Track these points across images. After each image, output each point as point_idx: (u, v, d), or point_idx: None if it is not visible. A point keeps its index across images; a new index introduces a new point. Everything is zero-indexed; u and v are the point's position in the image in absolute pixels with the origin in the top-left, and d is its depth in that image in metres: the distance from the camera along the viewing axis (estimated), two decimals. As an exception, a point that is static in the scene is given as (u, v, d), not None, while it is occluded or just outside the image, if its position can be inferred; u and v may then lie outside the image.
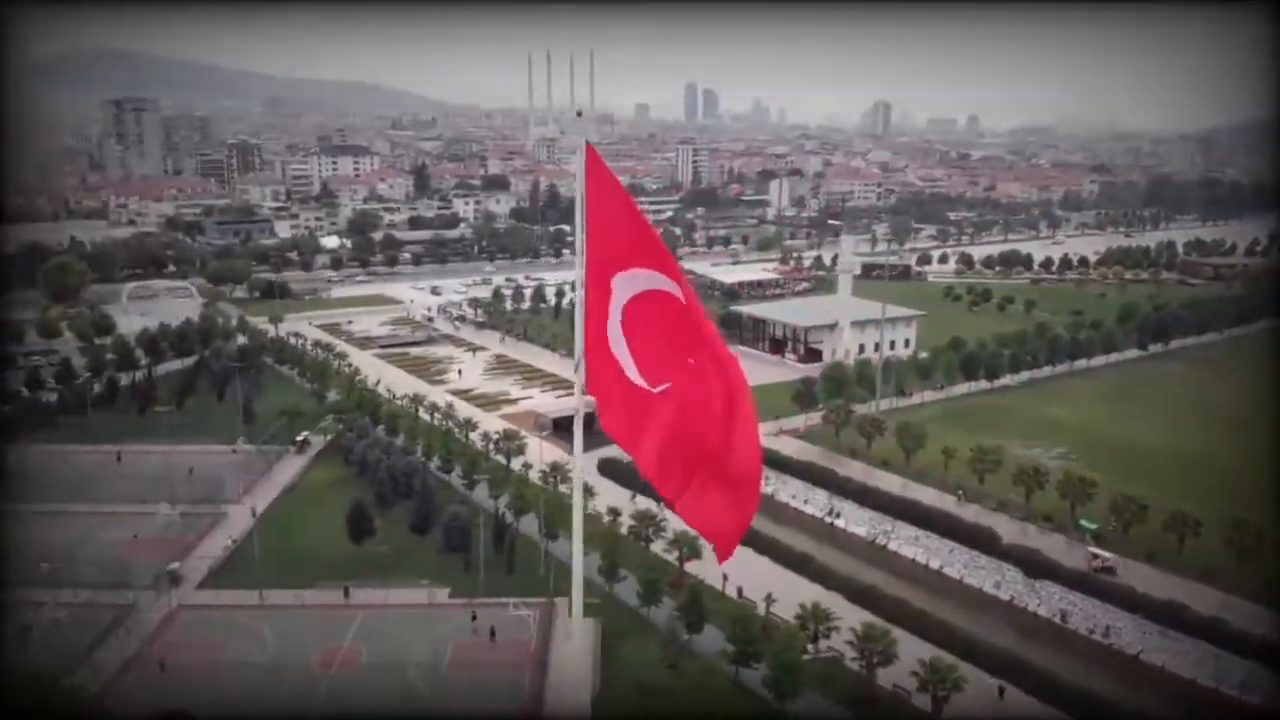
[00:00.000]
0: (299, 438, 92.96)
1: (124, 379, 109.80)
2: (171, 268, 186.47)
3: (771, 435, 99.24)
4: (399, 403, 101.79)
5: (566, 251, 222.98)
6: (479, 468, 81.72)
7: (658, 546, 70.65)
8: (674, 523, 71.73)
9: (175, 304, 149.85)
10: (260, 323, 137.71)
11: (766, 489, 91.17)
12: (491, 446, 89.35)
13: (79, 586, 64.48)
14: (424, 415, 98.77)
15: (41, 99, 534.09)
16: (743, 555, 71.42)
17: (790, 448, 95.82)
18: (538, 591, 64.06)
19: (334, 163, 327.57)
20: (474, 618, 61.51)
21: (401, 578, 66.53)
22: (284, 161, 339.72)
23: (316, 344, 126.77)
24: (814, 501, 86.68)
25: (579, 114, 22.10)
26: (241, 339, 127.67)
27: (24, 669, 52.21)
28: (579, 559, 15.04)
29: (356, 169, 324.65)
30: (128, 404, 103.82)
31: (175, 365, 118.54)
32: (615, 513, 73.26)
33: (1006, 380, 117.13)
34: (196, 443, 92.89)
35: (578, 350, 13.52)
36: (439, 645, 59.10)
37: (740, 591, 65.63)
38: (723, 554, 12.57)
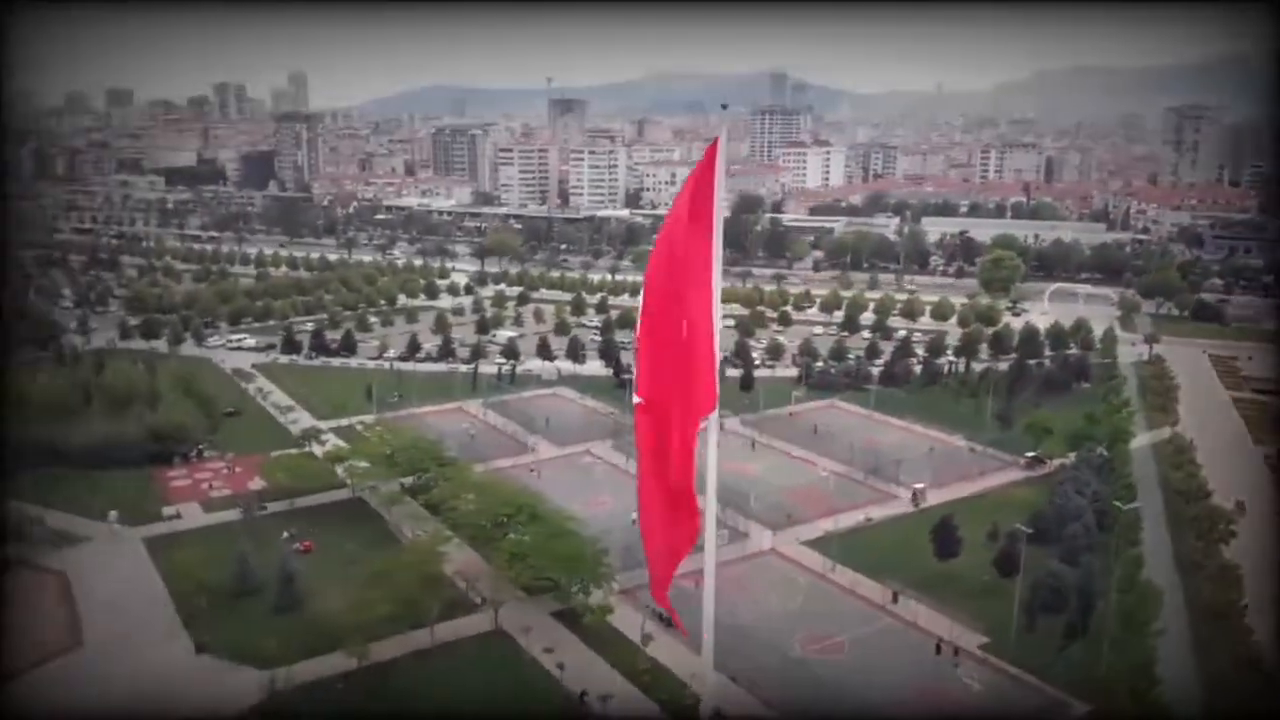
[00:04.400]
0: (1031, 453, 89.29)
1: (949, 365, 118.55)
2: (1129, 275, 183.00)
3: None
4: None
5: None
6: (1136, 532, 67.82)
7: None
8: None
9: (1089, 309, 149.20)
10: (1136, 340, 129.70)
11: None
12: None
13: (738, 512, 77.77)
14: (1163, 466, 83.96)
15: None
16: None
17: None
18: (1079, 688, 53.60)
19: None
20: (952, 656, 55.22)
21: (957, 608, 62.18)
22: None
23: (1154, 372, 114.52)
24: None
25: (724, 107, 17.13)
26: (1085, 353, 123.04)
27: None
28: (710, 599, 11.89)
29: None
30: (936, 386, 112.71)
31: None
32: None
33: None
34: (943, 429, 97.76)
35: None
36: (918, 681, 55.28)
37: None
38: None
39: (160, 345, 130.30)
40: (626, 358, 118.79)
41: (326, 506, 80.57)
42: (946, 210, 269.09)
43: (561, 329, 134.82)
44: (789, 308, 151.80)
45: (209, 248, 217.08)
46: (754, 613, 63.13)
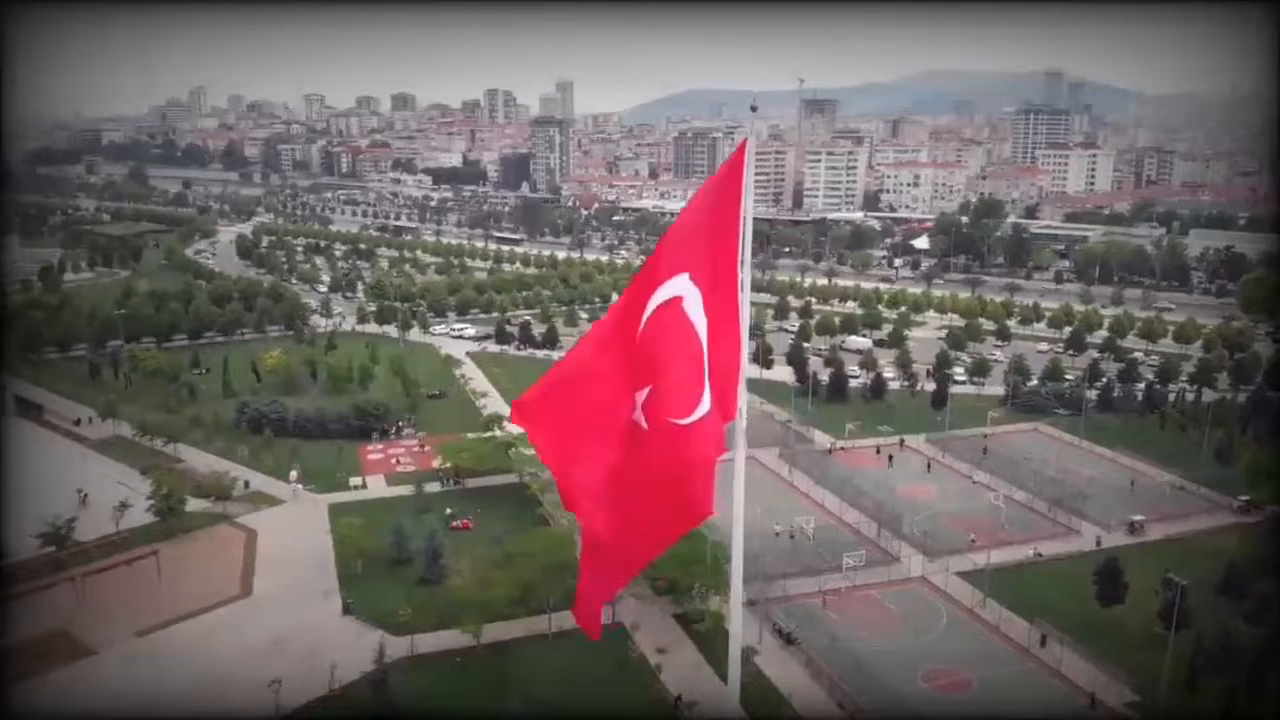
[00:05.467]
0: (1246, 497, 78.89)
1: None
2: None
3: None
4: None
5: None
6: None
7: None
8: None
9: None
10: None
11: None
12: None
13: (894, 535, 74.36)
14: None
15: None
16: None
17: None
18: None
19: None
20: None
21: (1110, 659, 56.13)
22: None
23: None
24: None
25: (753, 108, 14.52)
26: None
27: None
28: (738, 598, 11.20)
29: None
30: (1157, 415, 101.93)
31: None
32: None
33: None
34: (1153, 463, 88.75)
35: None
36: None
37: None
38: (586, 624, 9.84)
39: (391, 330, 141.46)
40: (814, 364, 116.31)
41: (497, 488, 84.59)
42: (1222, 222, 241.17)
43: (757, 331, 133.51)
44: (1012, 321, 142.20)
45: (454, 242, 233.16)
46: (883, 641, 60.13)
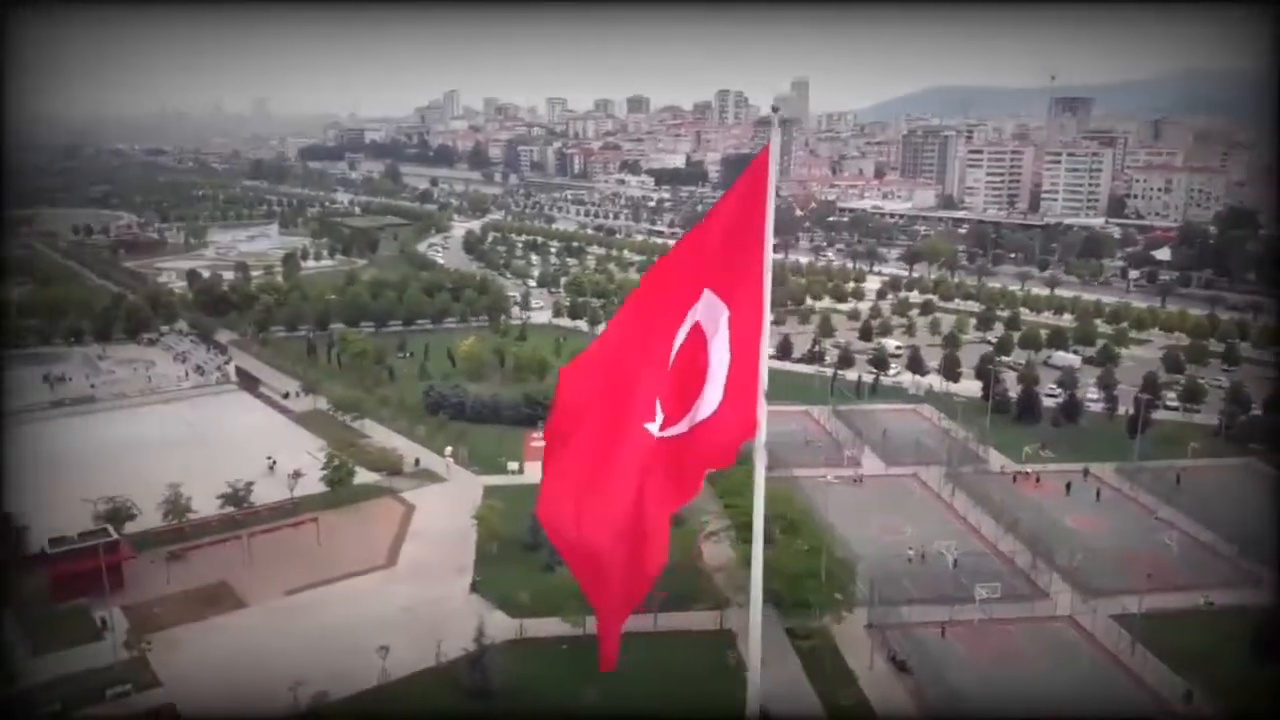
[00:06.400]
0: None
1: None
2: None
3: None
4: None
5: None
6: None
7: None
8: None
9: None
10: None
11: None
12: None
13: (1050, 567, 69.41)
14: None
15: None
16: None
17: None
18: None
19: None
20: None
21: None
22: None
23: None
24: None
25: (775, 109, 12.25)
26: None
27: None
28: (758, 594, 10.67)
29: None
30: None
31: None
32: None
33: None
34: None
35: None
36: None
37: None
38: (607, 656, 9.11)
39: (583, 325, 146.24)
40: (1008, 379, 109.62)
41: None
42: None
43: (951, 342, 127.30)
44: (1246, 342, 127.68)
45: (663, 242, 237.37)
46: (1006, 678, 56.31)
